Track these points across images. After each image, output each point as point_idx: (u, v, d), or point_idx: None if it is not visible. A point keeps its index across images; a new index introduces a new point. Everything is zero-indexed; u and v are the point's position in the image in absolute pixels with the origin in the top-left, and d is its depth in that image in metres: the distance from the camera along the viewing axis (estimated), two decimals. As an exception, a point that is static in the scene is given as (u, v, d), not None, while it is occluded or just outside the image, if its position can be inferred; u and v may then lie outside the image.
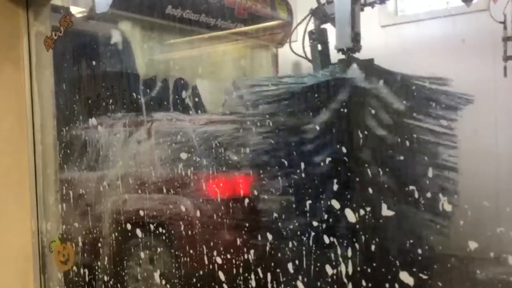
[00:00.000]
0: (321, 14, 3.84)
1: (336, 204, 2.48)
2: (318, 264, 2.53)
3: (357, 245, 2.35)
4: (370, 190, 2.46)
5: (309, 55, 3.89)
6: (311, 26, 3.92)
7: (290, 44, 4.30)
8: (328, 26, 3.82)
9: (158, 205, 3.42)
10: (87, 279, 3.04)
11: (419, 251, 2.37)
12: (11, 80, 2.56)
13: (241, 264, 2.77)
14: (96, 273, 3.42)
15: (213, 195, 3.33)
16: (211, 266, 2.95)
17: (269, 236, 2.73)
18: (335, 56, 3.42)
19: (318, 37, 3.82)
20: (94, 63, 3.92)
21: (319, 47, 3.74)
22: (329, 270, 2.31)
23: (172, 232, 3.36)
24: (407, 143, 2.88)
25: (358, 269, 2.26)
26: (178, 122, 3.80)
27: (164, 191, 3.49)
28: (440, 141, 3.12)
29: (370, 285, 2.14)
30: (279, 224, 2.96)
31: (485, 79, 3.43)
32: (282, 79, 3.55)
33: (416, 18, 4.22)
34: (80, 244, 3.17)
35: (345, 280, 2.23)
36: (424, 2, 4.25)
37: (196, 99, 4.76)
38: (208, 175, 3.41)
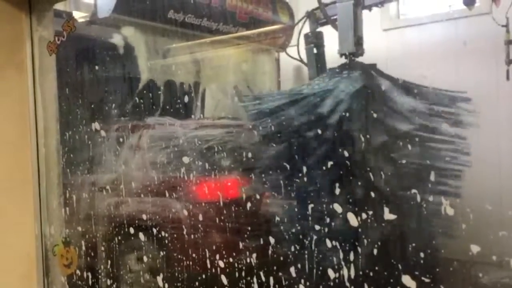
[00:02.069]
0: (317, 17, 3.81)
1: (338, 208, 2.48)
2: (321, 268, 2.53)
3: (359, 249, 2.35)
4: (372, 194, 2.46)
5: (304, 59, 3.88)
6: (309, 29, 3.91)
7: (285, 49, 4.28)
8: (325, 29, 3.80)
9: (154, 208, 3.43)
10: (90, 282, 3.04)
11: (422, 254, 2.37)
12: (15, 85, 2.57)
13: (242, 268, 2.76)
14: (100, 276, 3.43)
15: (203, 198, 3.35)
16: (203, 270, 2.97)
17: (271, 240, 2.73)
18: (336, 58, 3.42)
19: (314, 40, 3.80)
20: (96, 67, 3.93)
21: (315, 50, 3.73)
22: (331, 273, 2.31)
23: (174, 235, 3.37)
24: (409, 147, 2.88)
25: (361, 272, 2.26)
26: (170, 127, 3.82)
27: (159, 194, 3.51)
28: (442, 145, 3.12)
29: (372, 288, 2.14)
30: (281, 227, 2.96)
31: (488, 82, 3.43)
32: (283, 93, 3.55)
33: (418, 21, 4.21)
34: (83, 247, 3.17)
35: (348, 284, 2.23)
36: (426, 6, 4.25)
37: (198, 103, 4.77)
38: (199, 179, 3.43)
